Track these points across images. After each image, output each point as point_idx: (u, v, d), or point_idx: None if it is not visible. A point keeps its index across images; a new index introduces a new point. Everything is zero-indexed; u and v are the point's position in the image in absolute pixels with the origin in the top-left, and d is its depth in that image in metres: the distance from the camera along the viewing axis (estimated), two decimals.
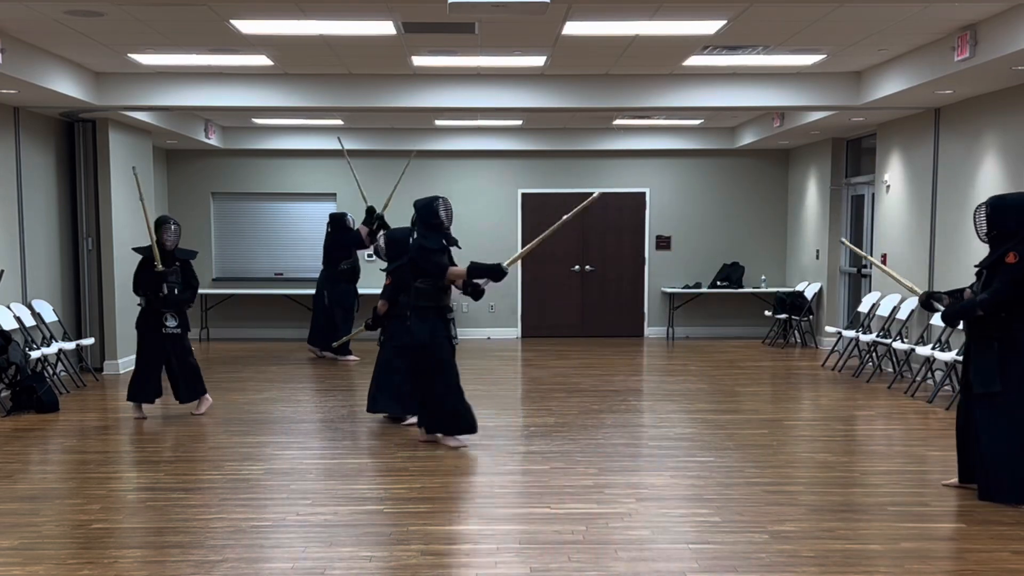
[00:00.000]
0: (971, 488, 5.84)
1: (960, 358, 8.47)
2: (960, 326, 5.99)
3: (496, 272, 6.88)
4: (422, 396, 7.07)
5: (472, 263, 6.95)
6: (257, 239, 14.24)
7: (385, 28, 7.54)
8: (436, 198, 7.04)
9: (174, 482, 6.10)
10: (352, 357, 11.77)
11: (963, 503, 5.65)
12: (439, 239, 6.94)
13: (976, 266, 5.86)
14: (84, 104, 9.32)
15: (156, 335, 8.07)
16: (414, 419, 7.75)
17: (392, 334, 7.89)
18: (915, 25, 7.40)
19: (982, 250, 8.76)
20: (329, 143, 13.82)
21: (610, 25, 7.56)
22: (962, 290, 5.98)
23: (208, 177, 14.06)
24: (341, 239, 11.88)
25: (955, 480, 5.98)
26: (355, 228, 11.97)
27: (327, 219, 12.17)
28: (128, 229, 11.05)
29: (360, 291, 12.12)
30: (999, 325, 5.52)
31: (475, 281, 7.04)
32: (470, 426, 7.07)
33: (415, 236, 7.03)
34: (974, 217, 5.72)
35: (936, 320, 9.32)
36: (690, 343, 13.52)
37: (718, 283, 14.06)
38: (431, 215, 6.96)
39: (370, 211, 11.83)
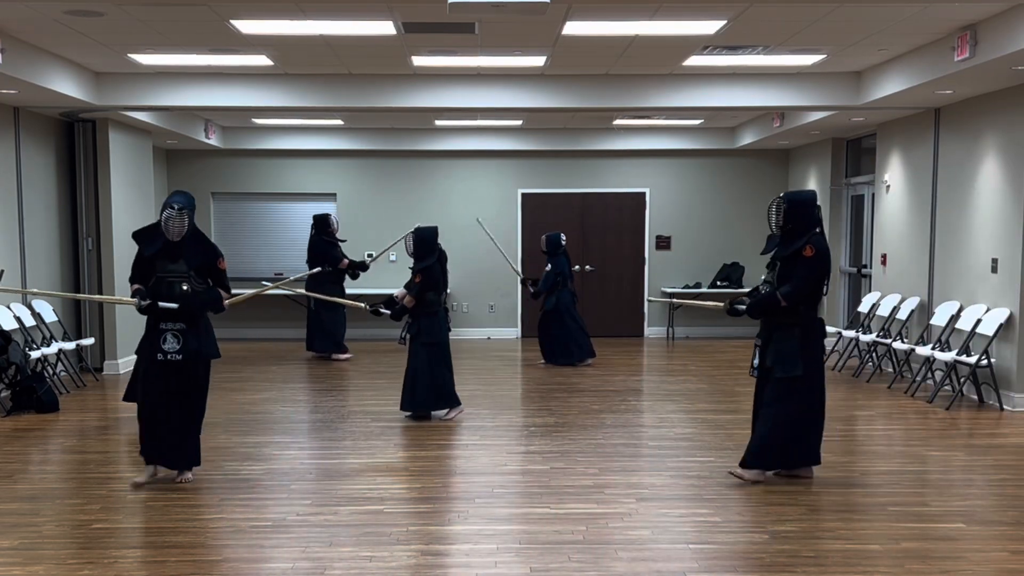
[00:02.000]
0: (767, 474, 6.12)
1: (960, 358, 8.50)
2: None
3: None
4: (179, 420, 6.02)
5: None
6: (257, 239, 14.24)
7: (385, 28, 7.54)
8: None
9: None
10: (346, 355, 11.77)
11: (963, 503, 5.66)
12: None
13: (763, 253, 6.21)
14: (84, 104, 9.31)
15: None
16: (442, 412, 8.09)
17: (420, 331, 8.01)
18: (915, 25, 7.40)
19: (982, 248, 8.79)
20: (329, 143, 13.84)
21: (610, 25, 7.56)
22: (757, 288, 6.26)
23: (208, 177, 14.05)
24: (322, 242, 11.81)
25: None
26: (337, 233, 11.99)
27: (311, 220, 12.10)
28: (128, 229, 11.04)
29: (356, 291, 12.08)
30: (797, 313, 5.87)
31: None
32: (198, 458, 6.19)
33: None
34: (769, 209, 5.99)
35: (936, 320, 9.33)
36: (690, 343, 13.52)
37: (718, 283, 14.06)
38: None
39: (363, 266, 11.97)
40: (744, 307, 6.12)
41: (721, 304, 6.32)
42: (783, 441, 5.95)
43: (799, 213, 5.88)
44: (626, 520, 5.30)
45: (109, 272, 10.65)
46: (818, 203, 5.97)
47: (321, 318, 11.73)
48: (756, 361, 6.06)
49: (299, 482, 6.10)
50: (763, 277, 6.23)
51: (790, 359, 5.85)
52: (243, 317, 13.99)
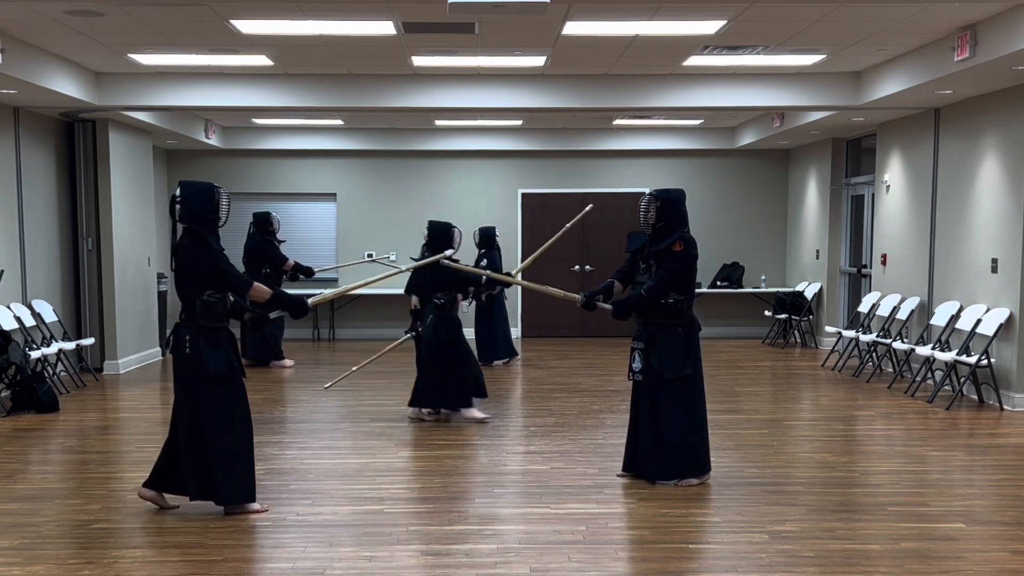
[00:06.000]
0: (634, 477, 6.05)
1: (960, 358, 8.50)
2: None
3: (297, 308, 5.67)
4: (197, 451, 5.33)
5: (278, 290, 5.81)
6: None
7: (385, 28, 7.54)
8: (215, 186, 5.47)
9: None
10: (288, 362, 11.21)
11: (963, 503, 5.65)
12: (219, 240, 5.44)
13: (627, 251, 6.31)
14: (84, 104, 9.31)
15: None
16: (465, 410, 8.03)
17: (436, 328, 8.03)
18: (915, 25, 7.40)
19: (982, 248, 8.78)
20: (329, 143, 13.83)
21: (610, 25, 7.56)
22: (611, 283, 6.21)
23: (208, 177, 13.93)
24: (263, 241, 11.11)
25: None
26: (278, 234, 11.26)
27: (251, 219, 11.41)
28: (128, 229, 11.05)
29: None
30: (679, 313, 5.87)
31: (269, 313, 5.73)
32: (252, 493, 5.44)
33: (189, 237, 5.36)
34: (640, 207, 5.96)
35: (936, 320, 9.34)
36: None
37: (718, 283, 14.06)
38: (210, 208, 5.38)
39: (308, 271, 11.29)
40: (602, 303, 6.07)
41: (576, 296, 6.19)
42: (695, 443, 5.92)
43: (671, 211, 5.90)
44: (626, 520, 5.30)
45: (109, 272, 10.64)
46: (686, 203, 6.03)
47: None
48: (637, 365, 5.94)
49: (299, 482, 6.09)
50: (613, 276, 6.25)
51: (678, 360, 5.85)
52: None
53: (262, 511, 5.41)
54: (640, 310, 5.95)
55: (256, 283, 5.47)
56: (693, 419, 5.92)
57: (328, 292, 6.13)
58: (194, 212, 5.33)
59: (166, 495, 5.50)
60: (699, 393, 5.97)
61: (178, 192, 5.37)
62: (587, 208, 8.24)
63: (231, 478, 5.33)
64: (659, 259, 5.88)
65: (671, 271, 5.82)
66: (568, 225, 7.79)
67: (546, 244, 7.88)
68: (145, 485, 5.49)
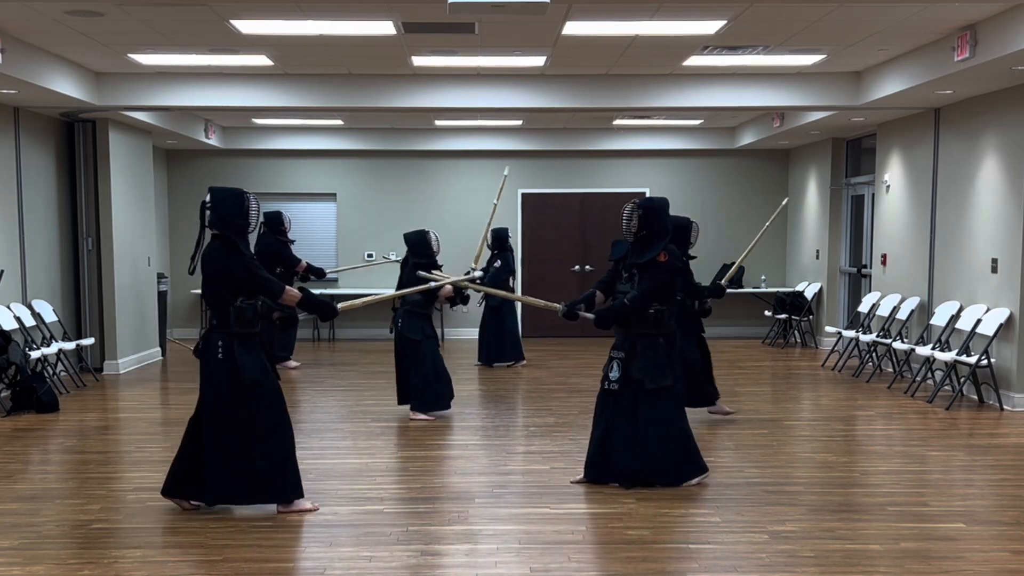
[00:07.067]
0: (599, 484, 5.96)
1: (960, 358, 8.50)
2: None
3: (326, 310, 5.61)
4: (233, 457, 5.32)
5: (308, 292, 5.65)
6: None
7: (385, 28, 7.55)
8: (244, 192, 5.43)
9: None
10: (293, 363, 11.10)
11: (963, 503, 5.65)
12: (249, 246, 5.41)
13: (610, 259, 6.48)
14: (84, 104, 9.31)
15: None
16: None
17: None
18: (915, 25, 7.40)
19: (982, 248, 8.78)
20: (329, 143, 13.83)
21: (610, 25, 7.56)
22: (593, 293, 6.26)
23: (208, 177, 14.02)
24: (276, 242, 10.85)
25: (582, 476, 6.07)
26: (289, 233, 11.06)
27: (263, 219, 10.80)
28: (128, 229, 11.05)
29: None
30: (660, 323, 5.85)
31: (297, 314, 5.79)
32: (300, 489, 5.47)
33: (219, 243, 5.33)
34: (623, 216, 5.91)
35: (936, 320, 9.33)
36: None
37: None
38: (240, 214, 5.35)
39: (320, 272, 11.22)
40: (584, 312, 6.04)
41: (557, 306, 6.11)
42: (674, 451, 5.89)
43: (654, 220, 5.84)
44: (626, 520, 5.30)
45: (109, 272, 10.63)
46: (670, 212, 5.99)
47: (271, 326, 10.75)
48: (615, 374, 5.87)
49: None
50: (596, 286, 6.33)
51: (659, 369, 5.81)
52: None
53: (314, 509, 5.41)
54: (622, 320, 5.91)
55: (288, 287, 5.48)
56: (672, 428, 5.88)
57: (358, 300, 5.97)
58: (224, 218, 5.32)
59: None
60: (679, 403, 5.96)
61: (208, 198, 5.39)
62: (784, 201, 9.07)
63: (281, 478, 5.34)
64: (643, 269, 5.86)
65: (655, 281, 5.80)
66: (767, 224, 8.03)
67: (751, 244, 8.23)
68: (163, 493, 5.46)
